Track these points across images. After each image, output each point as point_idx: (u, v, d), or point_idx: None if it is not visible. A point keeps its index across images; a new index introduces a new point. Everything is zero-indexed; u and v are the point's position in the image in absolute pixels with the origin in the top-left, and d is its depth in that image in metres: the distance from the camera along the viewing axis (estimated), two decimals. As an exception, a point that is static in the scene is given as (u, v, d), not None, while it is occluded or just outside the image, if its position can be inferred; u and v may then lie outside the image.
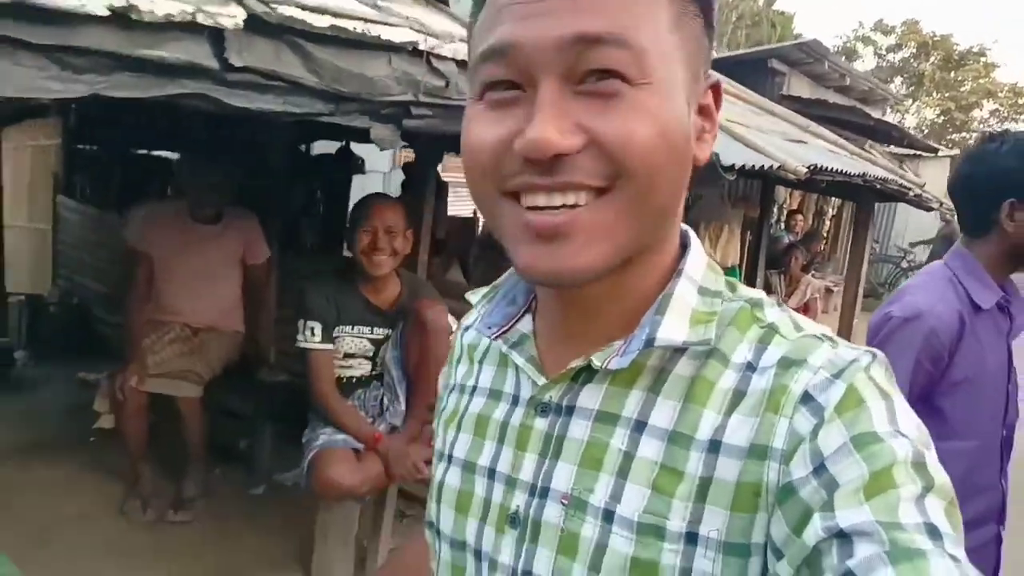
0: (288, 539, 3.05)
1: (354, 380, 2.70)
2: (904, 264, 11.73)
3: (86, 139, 5.87)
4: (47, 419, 4.30)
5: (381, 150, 2.21)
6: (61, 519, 3.18)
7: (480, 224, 5.65)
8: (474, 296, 0.72)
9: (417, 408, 2.62)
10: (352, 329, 2.62)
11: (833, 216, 9.92)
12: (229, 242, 3.38)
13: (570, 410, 0.59)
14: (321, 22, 1.64)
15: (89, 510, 3.28)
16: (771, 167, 3.09)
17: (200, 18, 1.39)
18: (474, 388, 0.70)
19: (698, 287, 0.59)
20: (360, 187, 6.12)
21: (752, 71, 7.78)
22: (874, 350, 0.54)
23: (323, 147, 5.79)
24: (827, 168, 3.71)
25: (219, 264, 3.36)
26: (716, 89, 0.59)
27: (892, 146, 8.45)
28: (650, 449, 0.55)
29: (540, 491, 0.59)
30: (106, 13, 1.28)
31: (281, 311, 3.92)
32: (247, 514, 3.38)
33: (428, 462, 2.43)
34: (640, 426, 0.56)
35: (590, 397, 0.59)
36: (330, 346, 2.57)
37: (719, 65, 7.43)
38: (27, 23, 1.25)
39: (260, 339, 3.79)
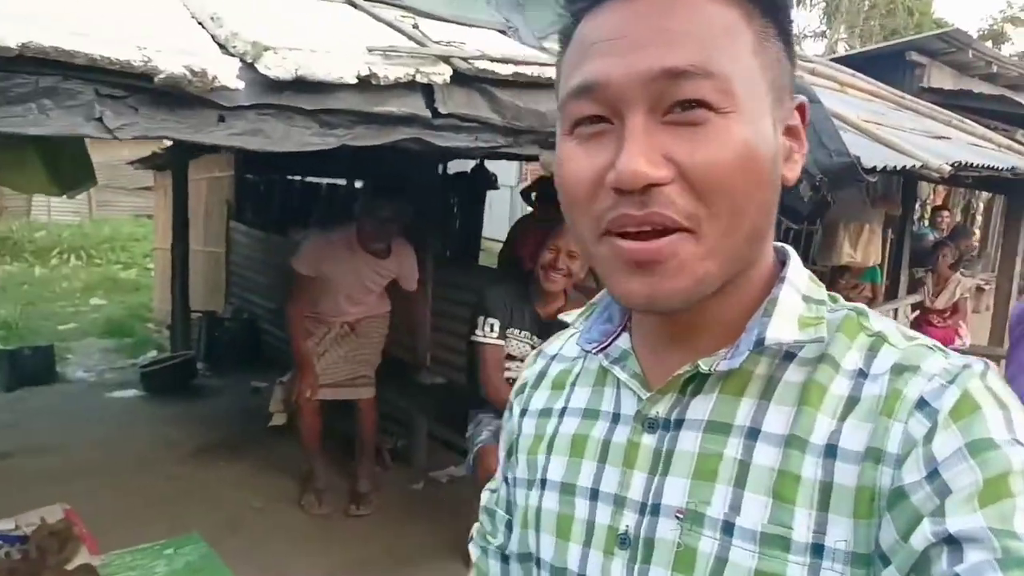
0: (447, 530, 3.24)
1: (512, 382, 2.93)
2: (1067, 259, 10.62)
3: (253, 169, 6.41)
4: (225, 422, 4.80)
5: (548, 173, 2.43)
6: (246, 509, 3.56)
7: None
8: (569, 316, 0.71)
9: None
10: (520, 333, 2.86)
11: (983, 211, 9.23)
12: (388, 270, 3.63)
13: (679, 423, 0.58)
14: (506, 70, 1.91)
15: (269, 502, 3.66)
16: (913, 167, 3.04)
17: (418, 77, 1.69)
18: (563, 410, 0.68)
19: (802, 295, 0.58)
20: (490, 200, 6.43)
21: (889, 65, 7.32)
22: (988, 360, 0.54)
23: (458, 165, 6.07)
24: (972, 164, 3.57)
25: (377, 282, 3.63)
26: (802, 109, 0.59)
27: (1050, 133, 7.79)
28: (766, 456, 0.54)
29: (651, 509, 0.57)
30: (355, 81, 1.59)
31: (434, 319, 4.21)
32: (408, 508, 3.66)
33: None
34: (754, 433, 0.55)
35: (699, 408, 0.57)
36: (503, 343, 2.83)
37: (852, 61, 7.10)
38: (304, 93, 1.59)
39: (417, 346, 4.11)
